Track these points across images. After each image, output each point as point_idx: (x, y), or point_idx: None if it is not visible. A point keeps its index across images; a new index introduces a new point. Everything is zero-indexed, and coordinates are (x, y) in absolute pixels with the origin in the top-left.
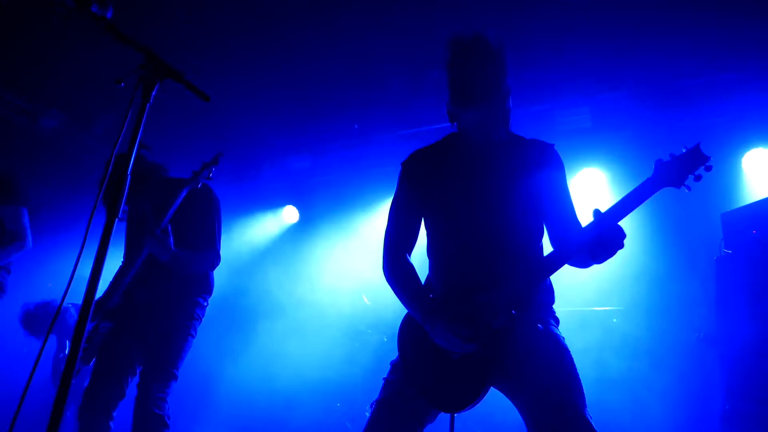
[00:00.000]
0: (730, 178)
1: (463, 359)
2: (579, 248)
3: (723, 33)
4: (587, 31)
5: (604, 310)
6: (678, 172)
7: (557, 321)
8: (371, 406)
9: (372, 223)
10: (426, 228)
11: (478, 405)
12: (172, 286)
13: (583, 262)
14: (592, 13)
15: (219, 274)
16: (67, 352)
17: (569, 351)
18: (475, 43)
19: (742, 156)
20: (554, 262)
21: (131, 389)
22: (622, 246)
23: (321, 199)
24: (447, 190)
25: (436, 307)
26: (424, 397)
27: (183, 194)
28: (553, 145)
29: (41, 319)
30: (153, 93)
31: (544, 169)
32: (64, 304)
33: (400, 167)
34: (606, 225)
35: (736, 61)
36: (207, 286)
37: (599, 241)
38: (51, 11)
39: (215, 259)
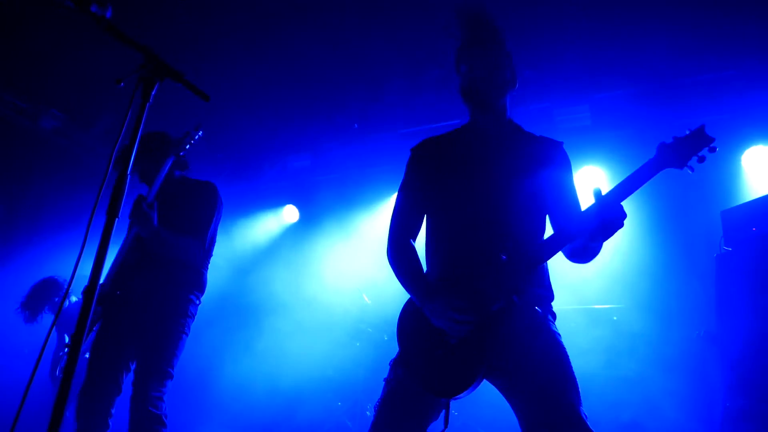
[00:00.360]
0: (729, 176)
1: (461, 343)
2: (581, 229)
3: (722, 31)
4: (587, 29)
5: (605, 308)
6: (681, 153)
7: (554, 316)
8: (375, 408)
9: (372, 221)
10: (428, 216)
11: (480, 406)
12: (165, 282)
13: (582, 248)
14: (591, 12)
15: (220, 273)
16: (66, 350)
17: (565, 348)
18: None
19: (742, 153)
20: (555, 243)
21: (127, 385)
22: (621, 225)
23: (321, 198)
24: (452, 181)
25: (437, 287)
26: (421, 387)
27: (169, 163)
28: (561, 143)
29: (36, 293)
30: (153, 93)
31: (550, 166)
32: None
33: (409, 152)
34: (607, 205)
35: (735, 59)
36: (199, 284)
37: (600, 222)
38: (51, 11)
39: (197, 249)
